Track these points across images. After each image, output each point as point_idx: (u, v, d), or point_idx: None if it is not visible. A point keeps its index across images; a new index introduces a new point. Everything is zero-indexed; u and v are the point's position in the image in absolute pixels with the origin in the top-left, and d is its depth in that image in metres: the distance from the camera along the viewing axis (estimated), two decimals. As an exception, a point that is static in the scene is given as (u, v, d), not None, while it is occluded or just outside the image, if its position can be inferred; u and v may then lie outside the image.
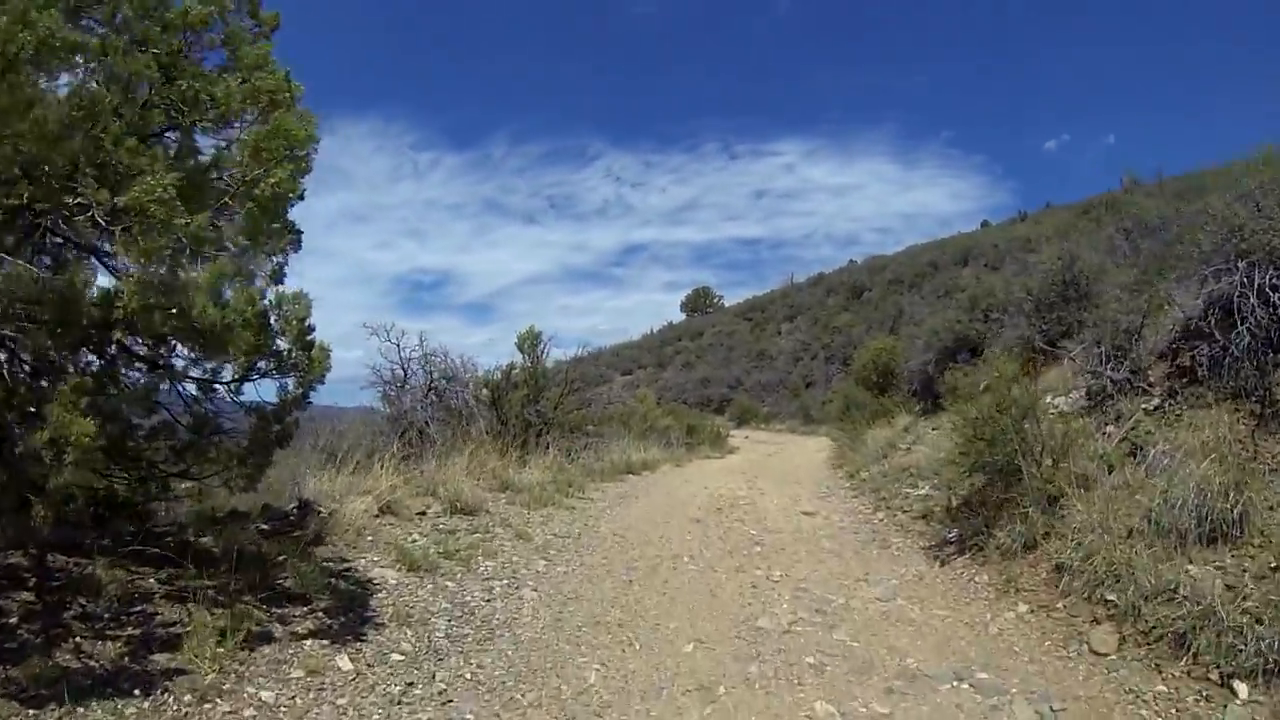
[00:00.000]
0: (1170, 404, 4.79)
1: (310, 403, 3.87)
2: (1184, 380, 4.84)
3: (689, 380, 37.13)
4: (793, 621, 4.00)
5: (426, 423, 7.53)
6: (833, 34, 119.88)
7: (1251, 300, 4.31)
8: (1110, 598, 3.54)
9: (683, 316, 53.53)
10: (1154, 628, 3.21)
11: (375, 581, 4.24)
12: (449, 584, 4.45)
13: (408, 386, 8.09)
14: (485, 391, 9.03)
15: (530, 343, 10.03)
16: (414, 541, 5.02)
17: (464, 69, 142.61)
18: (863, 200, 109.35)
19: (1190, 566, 3.35)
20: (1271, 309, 4.26)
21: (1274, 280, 4.31)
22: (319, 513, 4.96)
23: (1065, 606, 3.76)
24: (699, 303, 54.86)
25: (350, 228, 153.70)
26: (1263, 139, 5.94)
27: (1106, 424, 5.12)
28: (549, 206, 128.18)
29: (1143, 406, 4.96)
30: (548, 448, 8.82)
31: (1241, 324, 4.32)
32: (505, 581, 4.65)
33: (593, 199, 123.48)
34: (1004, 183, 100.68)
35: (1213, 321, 4.62)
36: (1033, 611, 3.88)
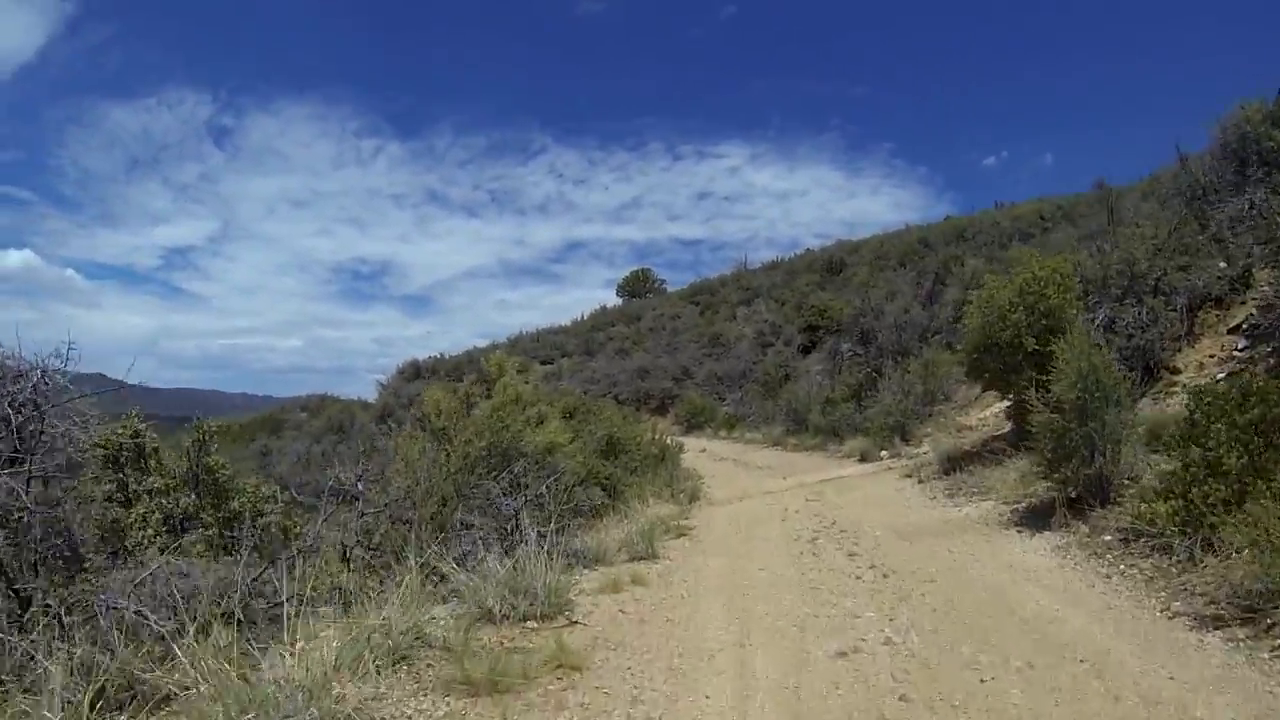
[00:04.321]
0: None
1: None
2: None
3: (623, 370, 28.58)
4: None
5: None
6: (775, 42, 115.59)
7: None
8: None
9: (619, 302, 44.96)
10: None
11: None
12: None
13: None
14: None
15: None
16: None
17: (409, 56, 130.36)
18: (805, 206, 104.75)
19: None
20: None
21: None
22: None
23: None
24: (638, 286, 46.31)
25: (289, 213, 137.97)
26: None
27: None
28: (490, 200, 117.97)
29: None
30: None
31: None
32: None
33: (535, 194, 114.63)
34: (945, 194, 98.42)
35: None
36: None
